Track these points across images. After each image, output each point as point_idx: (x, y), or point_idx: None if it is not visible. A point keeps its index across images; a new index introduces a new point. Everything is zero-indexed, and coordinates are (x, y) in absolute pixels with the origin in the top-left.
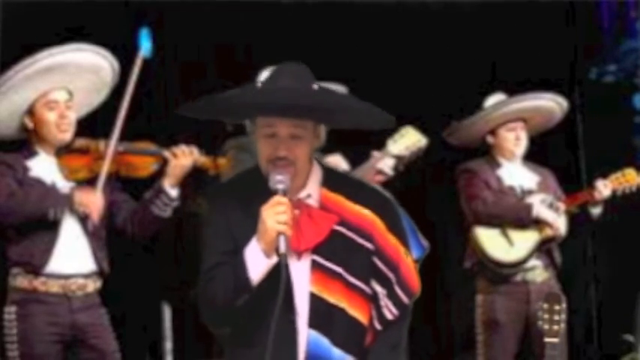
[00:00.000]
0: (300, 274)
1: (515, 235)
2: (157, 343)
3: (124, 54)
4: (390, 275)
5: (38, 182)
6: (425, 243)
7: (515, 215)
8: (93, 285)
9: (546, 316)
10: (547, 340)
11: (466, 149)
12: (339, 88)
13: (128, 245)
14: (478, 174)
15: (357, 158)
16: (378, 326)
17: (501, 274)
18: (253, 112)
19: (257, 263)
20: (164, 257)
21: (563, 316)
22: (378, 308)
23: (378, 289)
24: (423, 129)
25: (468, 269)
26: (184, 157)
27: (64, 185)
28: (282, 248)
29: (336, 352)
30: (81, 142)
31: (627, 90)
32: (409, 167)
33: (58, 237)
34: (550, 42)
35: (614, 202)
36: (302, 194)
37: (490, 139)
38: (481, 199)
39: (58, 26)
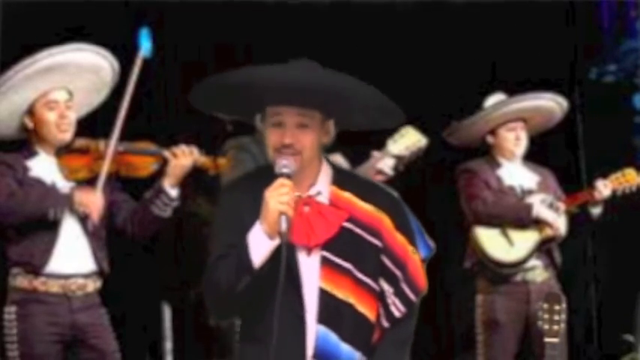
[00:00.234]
0: (309, 270)
1: (515, 235)
2: (156, 343)
3: (124, 54)
4: (398, 273)
5: (38, 182)
6: (431, 243)
7: (515, 215)
8: (93, 285)
9: (546, 316)
10: (547, 340)
11: (466, 149)
12: None
13: (128, 245)
14: (478, 174)
15: (357, 158)
16: (385, 323)
17: (501, 274)
18: (261, 95)
19: (259, 245)
20: (164, 257)
21: (563, 316)
22: (386, 306)
23: (386, 286)
24: (423, 129)
25: (468, 269)
26: (184, 157)
27: (64, 185)
28: (283, 227)
29: (345, 347)
30: (81, 142)
31: (627, 90)
32: (409, 167)
33: (58, 237)
34: (550, 42)
35: (614, 202)
36: (312, 191)
37: (490, 139)
38: (481, 199)
39: (58, 26)
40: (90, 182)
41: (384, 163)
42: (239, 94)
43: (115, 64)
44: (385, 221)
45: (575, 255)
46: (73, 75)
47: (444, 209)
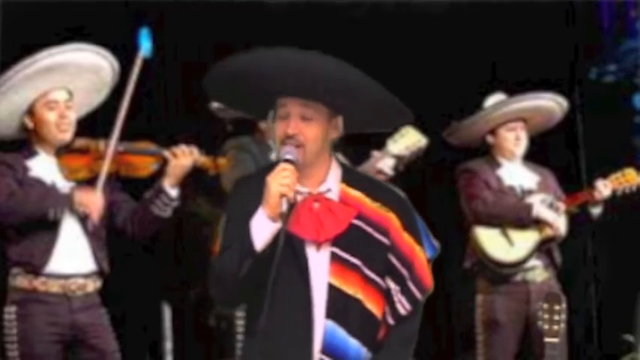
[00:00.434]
0: (319, 265)
1: (515, 235)
2: (157, 343)
3: (124, 54)
4: (404, 272)
5: (38, 182)
6: (436, 244)
7: (515, 215)
8: (93, 285)
9: (546, 316)
10: (547, 340)
11: (466, 149)
12: None
13: (128, 245)
14: (478, 174)
15: (357, 158)
16: (391, 321)
17: (501, 274)
18: (269, 85)
19: (261, 228)
20: (164, 257)
21: (563, 316)
22: (392, 303)
23: (392, 284)
24: (423, 129)
25: (468, 269)
26: (184, 157)
27: (64, 185)
28: (284, 208)
29: (353, 342)
30: (81, 142)
31: (627, 90)
32: (409, 167)
33: (58, 237)
34: (550, 42)
35: (614, 202)
36: (322, 188)
37: (490, 139)
38: (481, 199)
39: (58, 26)
40: (90, 182)
41: (384, 163)
42: (249, 84)
43: (115, 64)
44: (393, 220)
45: (575, 255)
46: (73, 75)
47: (444, 209)
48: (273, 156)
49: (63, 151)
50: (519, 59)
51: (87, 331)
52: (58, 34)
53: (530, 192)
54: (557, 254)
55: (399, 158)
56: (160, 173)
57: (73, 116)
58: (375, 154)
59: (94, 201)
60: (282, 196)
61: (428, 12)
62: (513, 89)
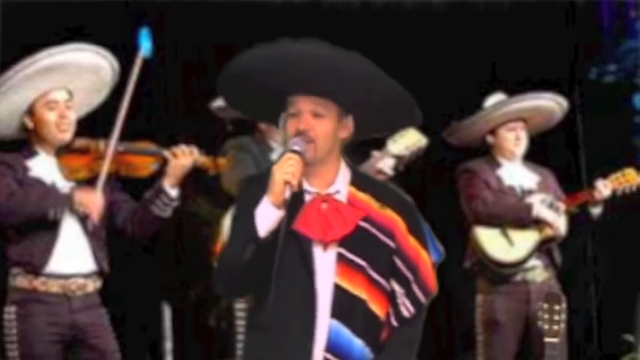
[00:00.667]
0: (325, 265)
1: (515, 235)
2: (157, 343)
3: (124, 54)
4: (409, 275)
5: (38, 182)
6: (441, 249)
7: (515, 215)
8: (93, 285)
9: (546, 316)
10: (547, 340)
11: (466, 149)
12: None
13: (128, 245)
14: (478, 174)
15: (357, 158)
16: (394, 322)
17: (501, 274)
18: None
19: (265, 215)
20: (164, 257)
21: (563, 316)
22: (396, 306)
23: (396, 287)
24: (423, 129)
25: (468, 269)
26: (184, 157)
27: (64, 185)
28: (287, 195)
29: (357, 342)
30: (81, 142)
31: (627, 90)
32: (409, 167)
33: (58, 237)
34: (550, 42)
35: (614, 202)
36: (331, 189)
37: (490, 139)
38: (481, 199)
39: (58, 26)
40: (90, 182)
41: (384, 163)
42: (258, 85)
43: (115, 64)
44: (399, 223)
45: (575, 255)
46: (73, 75)
47: (444, 209)
48: (273, 156)
49: (63, 151)
50: (519, 59)
51: (87, 331)
52: (58, 34)
53: (530, 192)
54: (557, 254)
55: (399, 158)
56: (160, 173)
57: (73, 116)
58: (375, 154)
59: (94, 201)
60: (287, 183)
61: (428, 12)
62: (513, 89)
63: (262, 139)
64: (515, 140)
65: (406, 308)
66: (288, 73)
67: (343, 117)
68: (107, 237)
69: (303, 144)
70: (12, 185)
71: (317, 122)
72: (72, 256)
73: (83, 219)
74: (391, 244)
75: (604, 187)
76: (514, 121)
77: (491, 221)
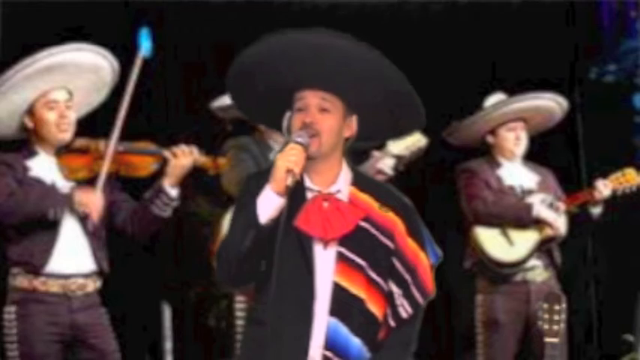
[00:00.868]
0: (324, 263)
1: (515, 234)
2: (157, 343)
3: (124, 54)
4: (407, 276)
5: (38, 182)
6: (439, 252)
7: (515, 215)
8: (93, 285)
9: (546, 316)
10: (547, 340)
11: (466, 149)
12: None
13: (128, 245)
14: (478, 174)
15: (357, 158)
16: (392, 323)
17: (501, 273)
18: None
19: (267, 202)
20: (164, 257)
21: (563, 316)
22: (394, 306)
23: (394, 288)
24: (423, 129)
25: (468, 269)
26: (184, 157)
27: (64, 185)
28: (289, 182)
29: (355, 340)
30: (81, 142)
31: (627, 90)
32: (409, 167)
33: (57, 237)
34: (550, 42)
35: (614, 202)
36: (332, 188)
37: (490, 139)
38: (481, 199)
39: (58, 26)
40: (90, 182)
41: (384, 162)
42: (265, 83)
43: (115, 64)
44: (399, 225)
45: (575, 255)
46: (73, 75)
47: (444, 209)
48: (273, 156)
49: (63, 151)
50: (519, 59)
51: (87, 330)
52: (58, 34)
53: (530, 192)
54: (557, 254)
55: (399, 158)
56: (160, 173)
57: (73, 116)
58: (375, 154)
59: (94, 201)
60: (289, 171)
61: (428, 12)
62: (513, 89)
63: (262, 139)
64: (515, 140)
65: (404, 309)
66: (297, 65)
67: (348, 116)
68: (107, 237)
69: (307, 137)
70: (12, 185)
71: (323, 117)
72: (72, 256)
73: (83, 219)
74: (390, 245)
75: (604, 187)
76: (514, 121)
77: (491, 221)
